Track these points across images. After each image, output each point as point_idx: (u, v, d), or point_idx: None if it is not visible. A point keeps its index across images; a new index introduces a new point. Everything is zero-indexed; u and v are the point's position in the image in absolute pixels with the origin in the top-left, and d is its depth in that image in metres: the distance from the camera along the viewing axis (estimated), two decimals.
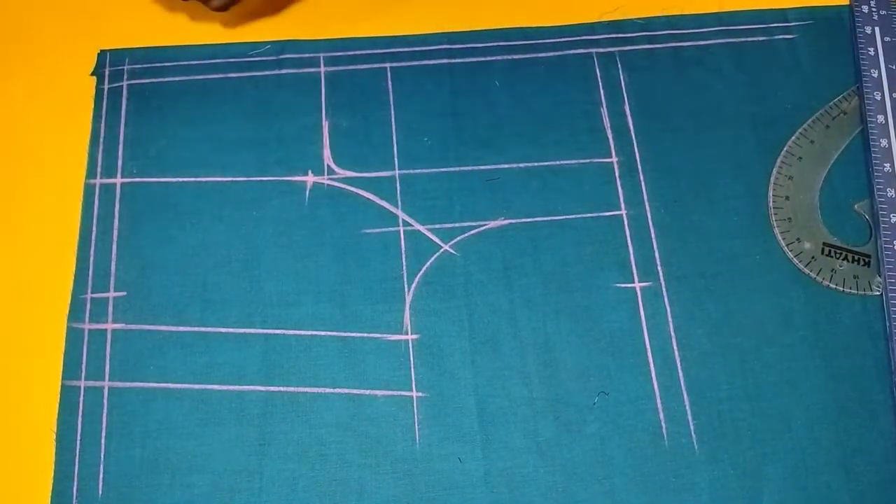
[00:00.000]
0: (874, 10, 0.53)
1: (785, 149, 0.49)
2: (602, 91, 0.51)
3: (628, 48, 0.52)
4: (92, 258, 0.46)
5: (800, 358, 0.44)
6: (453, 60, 0.51)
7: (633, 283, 0.46)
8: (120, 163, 0.48)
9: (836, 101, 0.51)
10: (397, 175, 0.48)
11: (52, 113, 0.49)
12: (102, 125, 0.49)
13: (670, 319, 0.45)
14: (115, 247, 0.46)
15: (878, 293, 0.46)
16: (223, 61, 0.51)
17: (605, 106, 0.50)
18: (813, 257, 0.46)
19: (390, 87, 0.51)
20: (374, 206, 0.47)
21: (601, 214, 0.47)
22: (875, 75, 0.51)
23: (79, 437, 0.42)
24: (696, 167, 0.49)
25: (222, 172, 0.48)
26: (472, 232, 0.47)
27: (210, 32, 0.51)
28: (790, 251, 0.47)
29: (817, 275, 0.46)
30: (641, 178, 0.48)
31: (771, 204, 0.48)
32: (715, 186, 0.48)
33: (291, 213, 0.47)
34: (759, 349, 0.44)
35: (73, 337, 0.44)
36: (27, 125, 0.49)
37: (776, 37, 0.52)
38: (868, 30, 0.52)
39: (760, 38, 0.52)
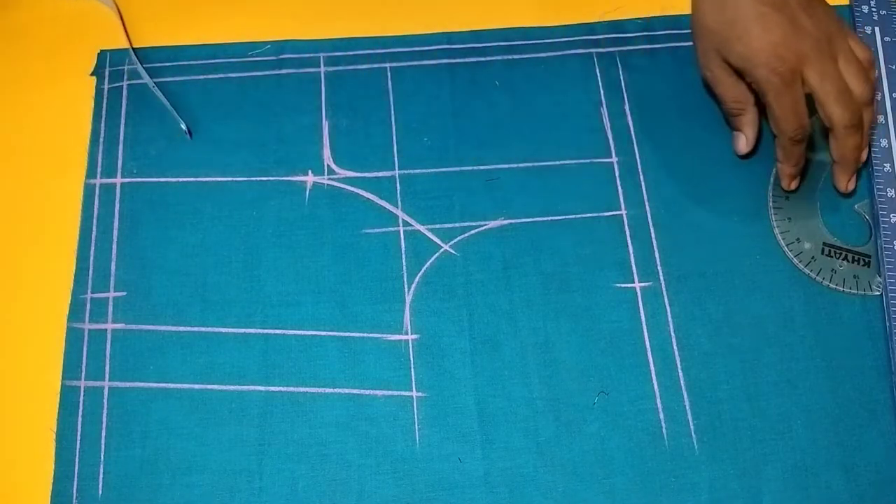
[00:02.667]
0: (874, 10, 0.53)
1: None
2: (602, 91, 0.51)
3: (628, 48, 0.52)
4: (92, 258, 0.46)
5: (800, 358, 0.44)
6: (453, 60, 0.51)
7: (633, 283, 0.46)
8: (120, 163, 0.48)
9: None
10: (397, 175, 0.48)
11: (52, 113, 0.49)
12: (102, 125, 0.49)
13: (670, 319, 0.45)
14: (115, 247, 0.46)
15: (878, 293, 0.46)
16: (223, 61, 0.51)
17: (605, 106, 0.50)
18: (813, 257, 0.46)
19: (390, 87, 0.51)
20: (374, 206, 0.47)
21: (601, 214, 0.47)
22: (875, 75, 0.50)
23: (79, 437, 0.42)
24: (696, 167, 0.49)
25: (222, 172, 0.48)
26: (472, 232, 0.47)
27: (210, 32, 0.51)
28: (790, 251, 0.47)
29: (817, 275, 0.46)
30: (641, 178, 0.48)
31: (771, 204, 0.48)
32: (715, 186, 0.48)
33: (291, 213, 0.47)
34: (759, 349, 0.44)
35: (73, 337, 0.44)
36: (27, 125, 0.49)
37: None
38: (868, 30, 0.52)
39: None
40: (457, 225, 0.47)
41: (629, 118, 0.50)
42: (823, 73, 0.43)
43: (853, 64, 0.44)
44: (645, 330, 0.44)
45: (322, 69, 0.51)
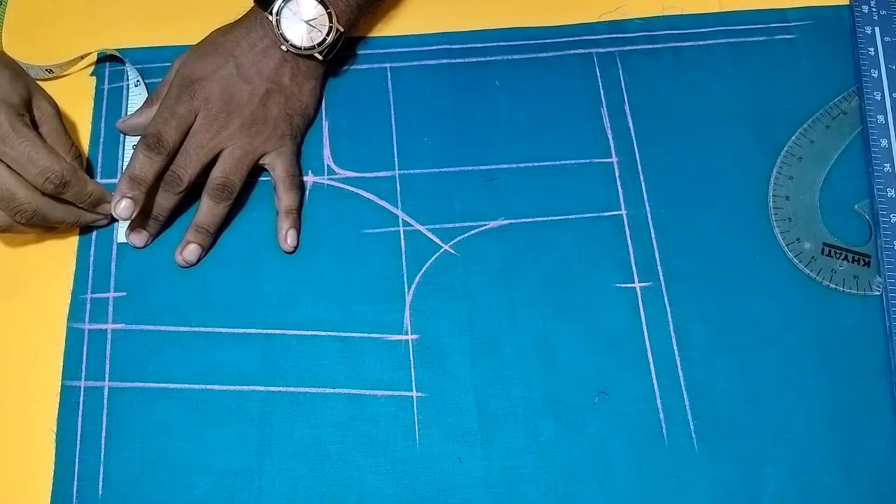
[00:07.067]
0: (874, 10, 0.53)
1: (785, 149, 0.49)
2: (602, 91, 0.51)
3: (628, 48, 0.52)
4: (92, 258, 0.46)
5: (800, 358, 0.44)
6: (453, 60, 0.51)
7: (633, 283, 0.46)
8: (120, 163, 0.48)
9: (836, 101, 0.51)
10: (397, 175, 0.48)
11: None
12: (102, 125, 0.49)
13: (670, 319, 0.45)
14: (115, 247, 0.46)
15: (878, 293, 0.46)
16: None
17: (605, 106, 0.50)
18: (813, 257, 0.46)
19: (390, 87, 0.51)
20: (374, 206, 0.47)
21: (601, 214, 0.47)
22: (875, 75, 0.51)
23: (79, 437, 0.42)
24: (696, 167, 0.49)
25: None
26: (472, 232, 0.47)
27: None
28: (790, 251, 0.47)
29: (817, 275, 0.46)
30: (641, 178, 0.48)
31: (771, 204, 0.48)
32: (715, 186, 0.48)
33: None
34: (759, 349, 0.44)
35: (73, 337, 0.44)
36: None
37: (776, 37, 0.52)
38: (868, 30, 0.52)
39: (760, 38, 0.52)
40: (457, 225, 0.47)
41: (629, 118, 0.50)
42: None
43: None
44: (645, 330, 0.44)
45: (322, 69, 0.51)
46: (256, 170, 0.47)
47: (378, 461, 0.42)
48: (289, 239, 0.45)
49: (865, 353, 0.44)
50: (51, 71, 0.50)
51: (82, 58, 0.50)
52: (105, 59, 0.51)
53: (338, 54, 0.49)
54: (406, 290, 0.45)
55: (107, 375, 0.43)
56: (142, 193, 0.43)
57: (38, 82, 0.46)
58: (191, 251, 0.45)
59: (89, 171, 0.48)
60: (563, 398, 0.43)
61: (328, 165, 0.48)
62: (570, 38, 0.52)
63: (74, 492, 0.41)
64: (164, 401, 0.43)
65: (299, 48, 0.46)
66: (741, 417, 0.43)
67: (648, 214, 0.47)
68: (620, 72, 0.51)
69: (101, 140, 0.49)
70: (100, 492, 0.41)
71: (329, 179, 0.48)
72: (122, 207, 0.43)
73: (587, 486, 0.41)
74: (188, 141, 0.45)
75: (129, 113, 0.49)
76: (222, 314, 0.44)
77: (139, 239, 0.46)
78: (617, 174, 0.48)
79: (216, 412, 0.42)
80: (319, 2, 0.46)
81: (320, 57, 0.47)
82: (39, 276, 0.45)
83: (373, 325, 0.44)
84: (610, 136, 0.49)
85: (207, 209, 0.45)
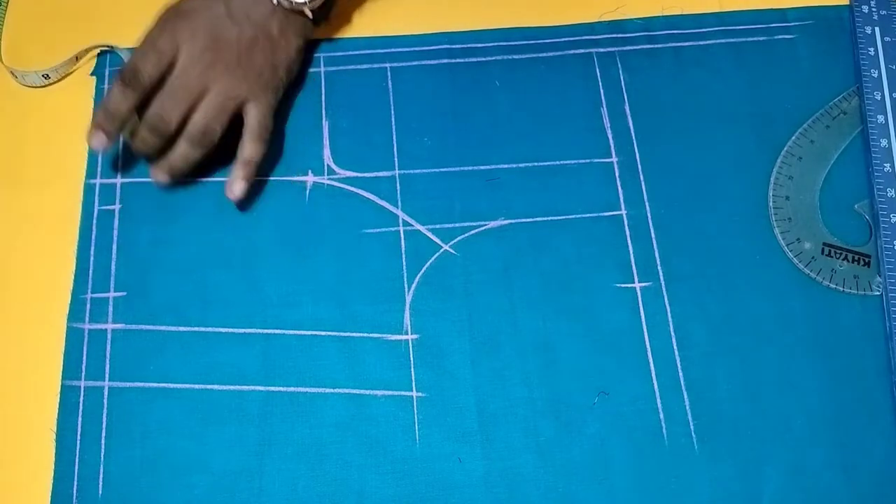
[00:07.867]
0: (874, 10, 0.53)
1: (785, 149, 0.49)
2: (602, 91, 0.51)
3: (628, 48, 0.52)
4: (92, 258, 0.46)
5: (800, 358, 0.44)
6: (453, 60, 0.51)
7: (633, 283, 0.46)
8: (120, 162, 0.48)
9: (836, 101, 0.51)
10: (397, 175, 0.48)
11: (53, 113, 0.49)
12: None
13: (670, 319, 0.45)
14: (115, 247, 0.46)
15: (878, 293, 0.46)
16: None
17: (605, 106, 0.50)
18: (813, 257, 0.46)
19: (390, 87, 0.51)
20: (374, 206, 0.47)
21: (601, 214, 0.47)
22: (875, 75, 0.51)
23: (79, 437, 0.42)
24: (696, 167, 0.49)
25: (223, 172, 0.48)
26: (472, 232, 0.47)
27: None
28: (790, 251, 0.47)
29: (817, 275, 0.46)
30: (641, 178, 0.48)
31: (771, 204, 0.48)
32: (715, 186, 0.48)
33: (291, 213, 0.47)
34: (759, 349, 0.44)
35: (73, 337, 0.44)
36: (28, 125, 0.49)
37: (776, 37, 0.52)
38: (868, 30, 0.52)
39: (760, 38, 0.52)
40: (457, 225, 0.47)
41: (629, 118, 0.50)
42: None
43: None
44: (645, 330, 0.44)
45: (322, 69, 0.51)
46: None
47: (378, 461, 0.42)
48: (235, 187, 0.45)
49: (865, 353, 0.44)
50: (47, 77, 0.50)
51: (77, 58, 0.50)
52: (104, 60, 0.51)
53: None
54: (406, 290, 0.45)
55: (107, 375, 0.43)
56: (114, 128, 0.44)
57: (36, 90, 0.45)
58: (159, 182, 0.46)
59: (89, 171, 0.48)
60: (563, 398, 0.43)
61: (328, 165, 0.48)
62: (570, 38, 0.52)
63: (74, 492, 0.41)
64: (164, 401, 0.43)
65: (290, 2, 0.46)
66: (741, 417, 0.43)
67: (648, 214, 0.47)
68: (620, 72, 0.51)
69: None
70: (100, 492, 0.41)
71: (329, 179, 0.48)
72: (95, 140, 0.43)
73: (587, 486, 0.41)
74: (174, 80, 0.44)
75: None
76: (222, 314, 0.44)
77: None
78: (617, 174, 0.48)
79: (216, 412, 0.42)
80: None
81: (310, 14, 0.47)
82: (39, 277, 0.45)
83: (373, 325, 0.44)
84: (610, 136, 0.49)
85: (182, 153, 0.45)
